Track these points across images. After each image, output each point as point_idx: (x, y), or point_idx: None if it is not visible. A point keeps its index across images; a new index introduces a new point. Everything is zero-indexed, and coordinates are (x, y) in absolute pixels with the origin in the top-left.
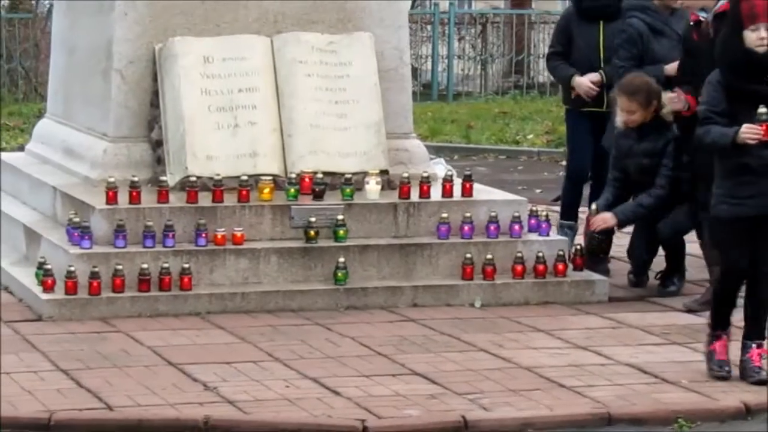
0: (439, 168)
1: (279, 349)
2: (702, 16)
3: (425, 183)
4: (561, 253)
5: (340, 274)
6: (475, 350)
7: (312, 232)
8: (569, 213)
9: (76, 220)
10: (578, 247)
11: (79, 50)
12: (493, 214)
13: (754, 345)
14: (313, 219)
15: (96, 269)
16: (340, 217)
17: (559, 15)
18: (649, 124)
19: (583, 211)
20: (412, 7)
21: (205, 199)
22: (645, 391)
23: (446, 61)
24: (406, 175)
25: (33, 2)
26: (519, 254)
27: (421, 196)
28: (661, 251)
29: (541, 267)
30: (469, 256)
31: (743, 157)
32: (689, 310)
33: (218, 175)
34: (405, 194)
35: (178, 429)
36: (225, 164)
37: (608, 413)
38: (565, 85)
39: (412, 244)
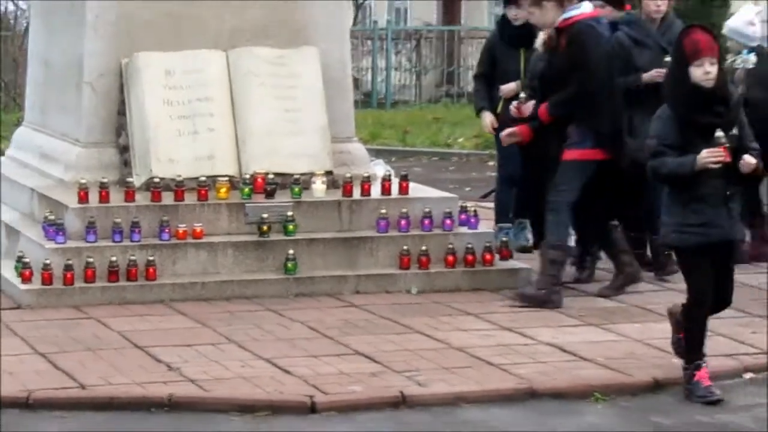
0: (379, 169)
1: (235, 332)
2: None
3: (366, 182)
4: (488, 244)
5: (290, 265)
6: (412, 332)
7: (264, 227)
8: (504, 216)
9: (52, 217)
10: (504, 239)
11: (53, 64)
12: (427, 210)
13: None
14: (265, 215)
15: (69, 262)
16: (290, 213)
17: (486, 31)
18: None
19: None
20: (354, 23)
21: (167, 198)
22: (564, 368)
23: (384, 72)
24: (348, 175)
25: (11, 21)
26: (450, 246)
27: (362, 194)
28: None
29: (470, 257)
30: (405, 247)
31: (698, 187)
32: (602, 296)
33: (179, 176)
34: (348, 192)
35: (145, 405)
36: (185, 167)
37: (531, 388)
38: (477, 112)
39: (354, 238)
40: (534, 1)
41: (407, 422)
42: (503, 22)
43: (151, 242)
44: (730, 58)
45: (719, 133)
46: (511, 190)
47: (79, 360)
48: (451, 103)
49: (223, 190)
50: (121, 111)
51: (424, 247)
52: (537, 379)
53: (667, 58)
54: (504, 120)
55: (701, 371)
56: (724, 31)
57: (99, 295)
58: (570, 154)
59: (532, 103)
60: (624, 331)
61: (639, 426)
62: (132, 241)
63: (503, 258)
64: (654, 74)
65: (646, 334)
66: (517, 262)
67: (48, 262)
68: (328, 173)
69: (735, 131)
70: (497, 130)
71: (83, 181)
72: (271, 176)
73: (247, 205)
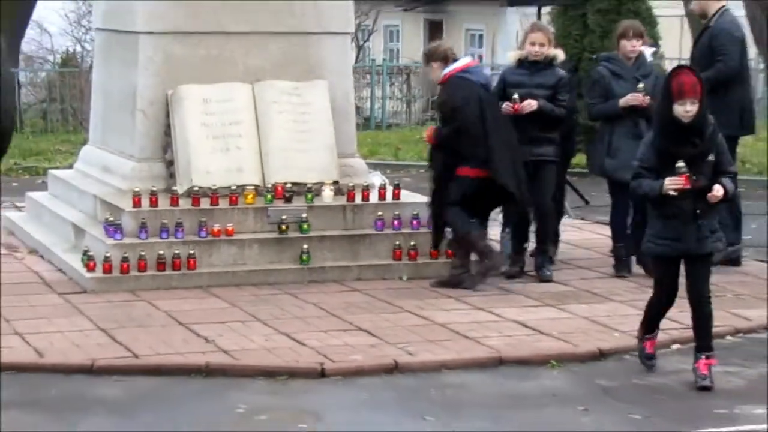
0: (376, 179)
1: (259, 312)
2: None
3: (366, 190)
4: None
5: (304, 257)
6: (403, 312)
7: (283, 227)
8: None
9: (111, 219)
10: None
11: (112, 95)
12: (415, 212)
13: (702, 356)
14: (284, 217)
15: (126, 255)
16: (304, 215)
17: None
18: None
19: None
20: (356, 61)
21: (205, 203)
22: (527, 341)
23: (381, 100)
24: (351, 184)
25: (79, 60)
26: None
27: (362, 200)
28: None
29: (449, 251)
30: (398, 243)
31: (670, 206)
32: (436, 284)
33: (214, 185)
34: (351, 198)
35: (186, 371)
36: (219, 177)
37: (500, 356)
38: None
39: (356, 235)
40: (425, 63)
41: (399, 385)
42: None
43: (191, 239)
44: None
45: (680, 164)
46: None
47: (133, 334)
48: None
49: (250, 196)
50: (167, 132)
51: (413, 243)
52: (504, 349)
53: (640, 85)
54: None
55: (649, 342)
56: None
57: (149, 282)
58: (460, 171)
59: (527, 102)
60: (574, 311)
61: (586, 388)
62: (176, 238)
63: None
64: (629, 99)
65: (592, 312)
66: None
67: (108, 255)
68: (335, 183)
69: (711, 158)
70: None
71: (137, 189)
72: (288, 185)
73: (269, 208)
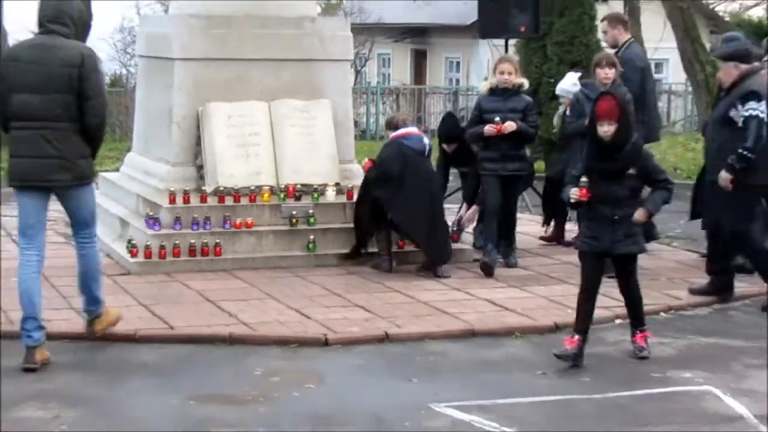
0: None
1: (274, 291)
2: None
3: None
4: None
5: (311, 246)
6: (393, 291)
7: (294, 221)
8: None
9: (151, 213)
10: (453, 228)
11: (152, 110)
12: None
13: (637, 332)
14: (294, 212)
15: (163, 243)
16: (311, 211)
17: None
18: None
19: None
20: (354, 84)
21: (229, 201)
22: (495, 316)
23: (375, 116)
24: (350, 185)
25: (124, 81)
26: None
27: None
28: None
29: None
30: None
31: (592, 212)
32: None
33: (237, 186)
34: (350, 197)
35: (213, 340)
36: (241, 180)
37: (473, 329)
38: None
39: (354, 228)
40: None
41: (390, 352)
42: None
43: (217, 230)
44: (561, 107)
45: (583, 179)
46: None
47: (169, 309)
48: None
49: (266, 195)
50: (198, 142)
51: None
52: (476, 323)
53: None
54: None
55: (570, 340)
56: (557, 91)
57: (183, 266)
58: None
59: (508, 123)
60: (535, 291)
61: (544, 356)
62: (205, 229)
63: (454, 241)
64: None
65: (550, 292)
66: (464, 244)
67: (148, 243)
68: (337, 184)
69: (632, 171)
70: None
71: (172, 189)
72: (298, 186)
73: (282, 205)
